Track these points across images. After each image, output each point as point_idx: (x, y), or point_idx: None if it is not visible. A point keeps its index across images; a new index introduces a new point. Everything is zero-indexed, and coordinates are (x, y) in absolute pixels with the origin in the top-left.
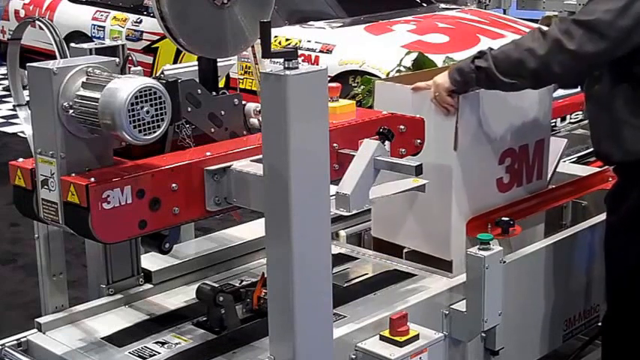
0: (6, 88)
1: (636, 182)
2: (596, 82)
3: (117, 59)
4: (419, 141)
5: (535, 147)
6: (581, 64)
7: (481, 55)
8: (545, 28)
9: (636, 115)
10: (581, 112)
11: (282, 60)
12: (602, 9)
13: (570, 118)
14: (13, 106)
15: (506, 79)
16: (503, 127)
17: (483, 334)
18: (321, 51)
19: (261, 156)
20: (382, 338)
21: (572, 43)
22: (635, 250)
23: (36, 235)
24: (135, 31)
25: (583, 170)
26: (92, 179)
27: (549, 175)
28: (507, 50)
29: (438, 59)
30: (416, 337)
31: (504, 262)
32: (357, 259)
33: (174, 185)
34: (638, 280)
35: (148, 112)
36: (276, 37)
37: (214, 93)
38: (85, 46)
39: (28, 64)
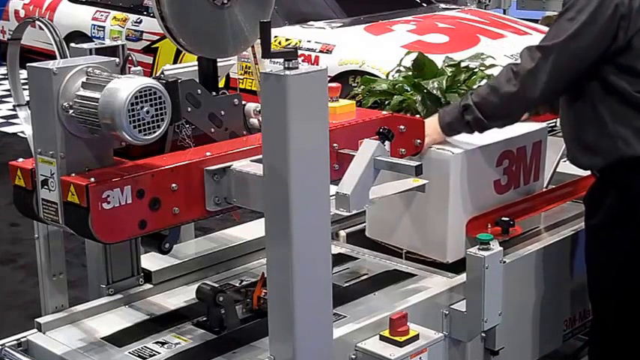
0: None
1: (614, 182)
2: (574, 94)
3: (117, 59)
4: (419, 141)
5: (532, 149)
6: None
7: (467, 108)
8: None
9: (616, 123)
10: None
11: (282, 60)
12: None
13: None
14: (13, 106)
15: (496, 123)
16: (500, 129)
17: (483, 334)
18: (321, 51)
19: (261, 156)
20: (382, 338)
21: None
22: (619, 251)
23: (36, 235)
24: (135, 31)
25: (583, 170)
26: (92, 179)
27: (549, 175)
28: (487, 96)
29: (438, 59)
30: (416, 337)
31: (504, 262)
32: (357, 259)
33: (174, 185)
34: (622, 282)
35: (148, 112)
36: (276, 37)
37: (214, 93)
38: (85, 46)
39: (28, 64)
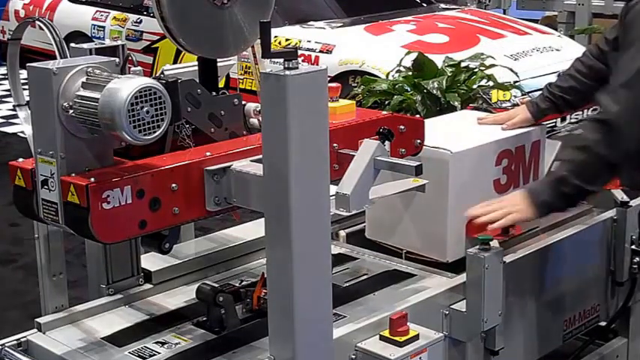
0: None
1: None
2: None
3: (117, 59)
4: (419, 141)
5: (531, 148)
6: None
7: (561, 181)
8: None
9: None
10: (581, 113)
11: (282, 60)
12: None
13: (570, 119)
14: (13, 106)
15: (598, 185)
16: (499, 128)
17: (483, 334)
18: (321, 51)
19: (261, 156)
20: (382, 338)
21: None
22: None
23: (36, 235)
24: (135, 31)
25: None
26: (92, 179)
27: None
28: (579, 160)
29: (438, 59)
30: (416, 337)
31: (504, 262)
32: (357, 259)
33: (174, 185)
34: None
35: (147, 112)
36: (276, 37)
37: (214, 93)
38: (85, 46)
39: (28, 64)
